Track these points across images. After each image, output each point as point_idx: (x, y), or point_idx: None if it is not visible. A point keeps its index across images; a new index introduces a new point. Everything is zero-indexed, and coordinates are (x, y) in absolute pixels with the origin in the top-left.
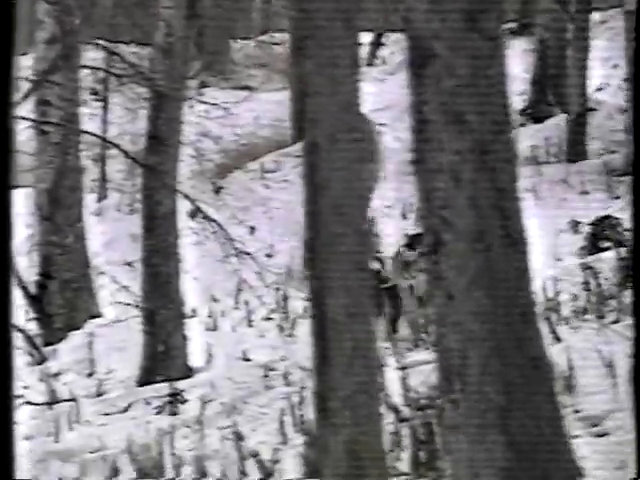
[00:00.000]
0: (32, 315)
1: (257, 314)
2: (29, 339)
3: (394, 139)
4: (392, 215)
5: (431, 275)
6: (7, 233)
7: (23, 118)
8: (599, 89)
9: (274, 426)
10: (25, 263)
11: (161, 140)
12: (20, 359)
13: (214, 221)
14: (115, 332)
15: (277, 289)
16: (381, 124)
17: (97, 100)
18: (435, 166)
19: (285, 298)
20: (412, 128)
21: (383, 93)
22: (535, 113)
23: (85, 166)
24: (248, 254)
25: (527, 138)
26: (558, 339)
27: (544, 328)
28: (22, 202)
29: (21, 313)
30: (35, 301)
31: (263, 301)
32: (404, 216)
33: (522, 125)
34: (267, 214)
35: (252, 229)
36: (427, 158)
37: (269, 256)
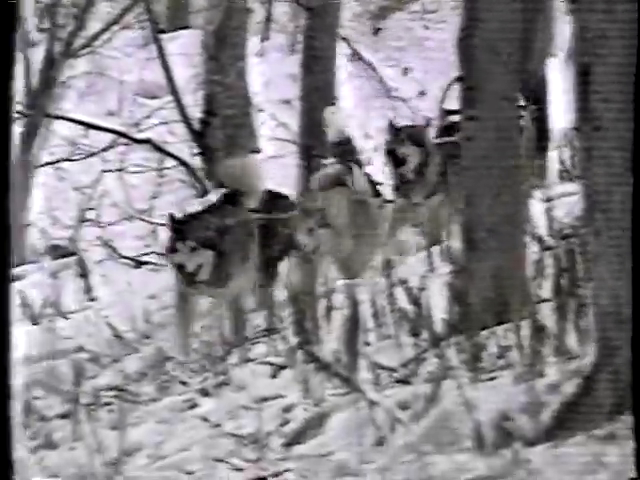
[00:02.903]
0: (196, 150)
1: None
2: (193, 173)
3: None
4: None
5: (578, 107)
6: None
7: None
8: None
9: (422, 255)
10: (190, 101)
11: None
12: (185, 191)
13: (369, 63)
14: (273, 167)
15: None
16: None
17: None
18: (588, 3)
19: None
20: None
21: None
22: None
23: (252, 8)
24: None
25: None
26: None
27: None
28: (190, 42)
29: (186, 149)
30: (199, 137)
31: None
32: None
33: None
34: (422, 54)
35: (405, 70)
36: None
37: (422, 94)
